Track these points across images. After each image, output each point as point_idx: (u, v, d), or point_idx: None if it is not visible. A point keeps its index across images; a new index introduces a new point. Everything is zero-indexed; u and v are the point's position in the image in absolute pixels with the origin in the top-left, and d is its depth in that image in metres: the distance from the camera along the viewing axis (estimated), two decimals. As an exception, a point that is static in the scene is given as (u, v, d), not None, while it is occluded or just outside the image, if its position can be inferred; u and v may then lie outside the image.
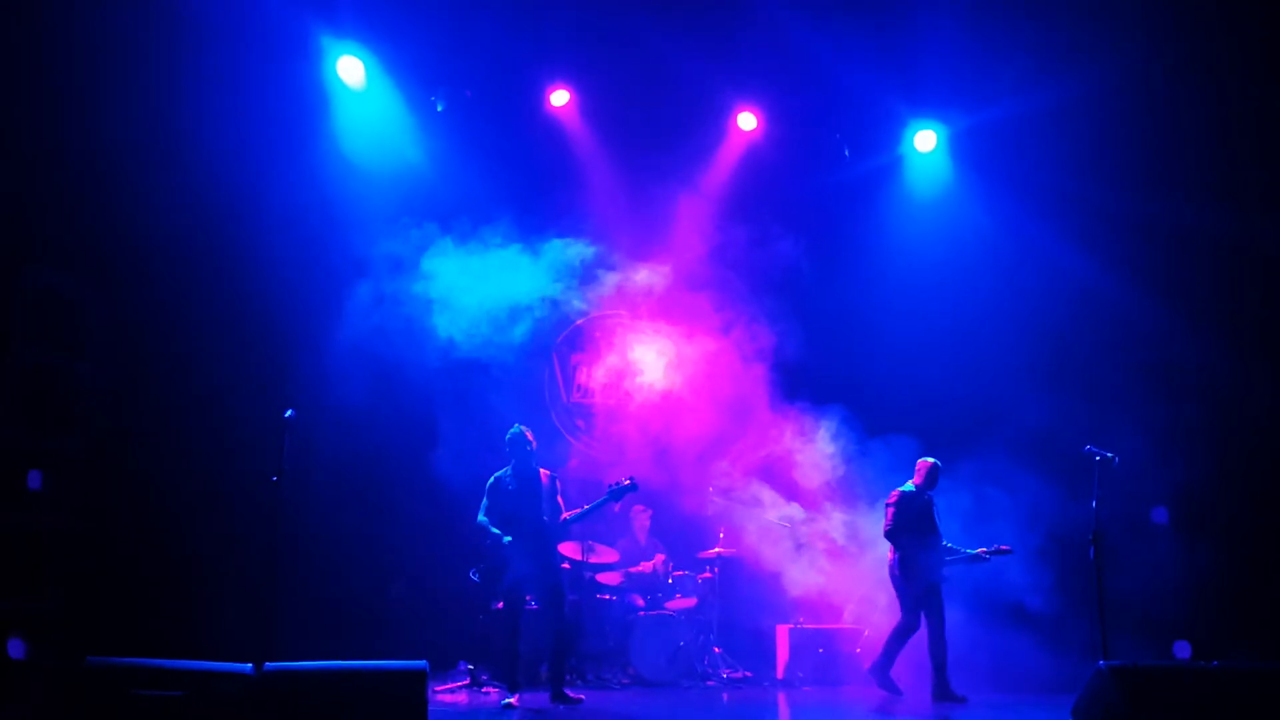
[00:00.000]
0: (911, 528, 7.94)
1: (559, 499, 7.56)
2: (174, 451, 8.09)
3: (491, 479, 7.53)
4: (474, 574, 7.52)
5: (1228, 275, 9.30)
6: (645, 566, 9.10)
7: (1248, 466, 8.99)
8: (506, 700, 7.16)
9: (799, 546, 9.12)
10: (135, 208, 8.03)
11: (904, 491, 8.05)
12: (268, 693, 5.12)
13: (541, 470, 7.54)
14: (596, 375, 10.18)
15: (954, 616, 8.10)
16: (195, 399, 8.24)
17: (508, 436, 7.49)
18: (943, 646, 7.79)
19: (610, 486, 7.71)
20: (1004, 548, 8.16)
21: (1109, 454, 7.00)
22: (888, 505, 8.06)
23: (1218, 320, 9.21)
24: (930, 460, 8.14)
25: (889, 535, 7.97)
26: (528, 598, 7.71)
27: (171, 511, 7.98)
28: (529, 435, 7.49)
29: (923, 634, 7.90)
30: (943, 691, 7.75)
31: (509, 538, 7.29)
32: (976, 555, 8.14)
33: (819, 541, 9.13)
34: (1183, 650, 8.58)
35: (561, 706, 7.11)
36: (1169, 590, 8.52)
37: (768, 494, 9.26)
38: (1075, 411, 8.80)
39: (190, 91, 8.14)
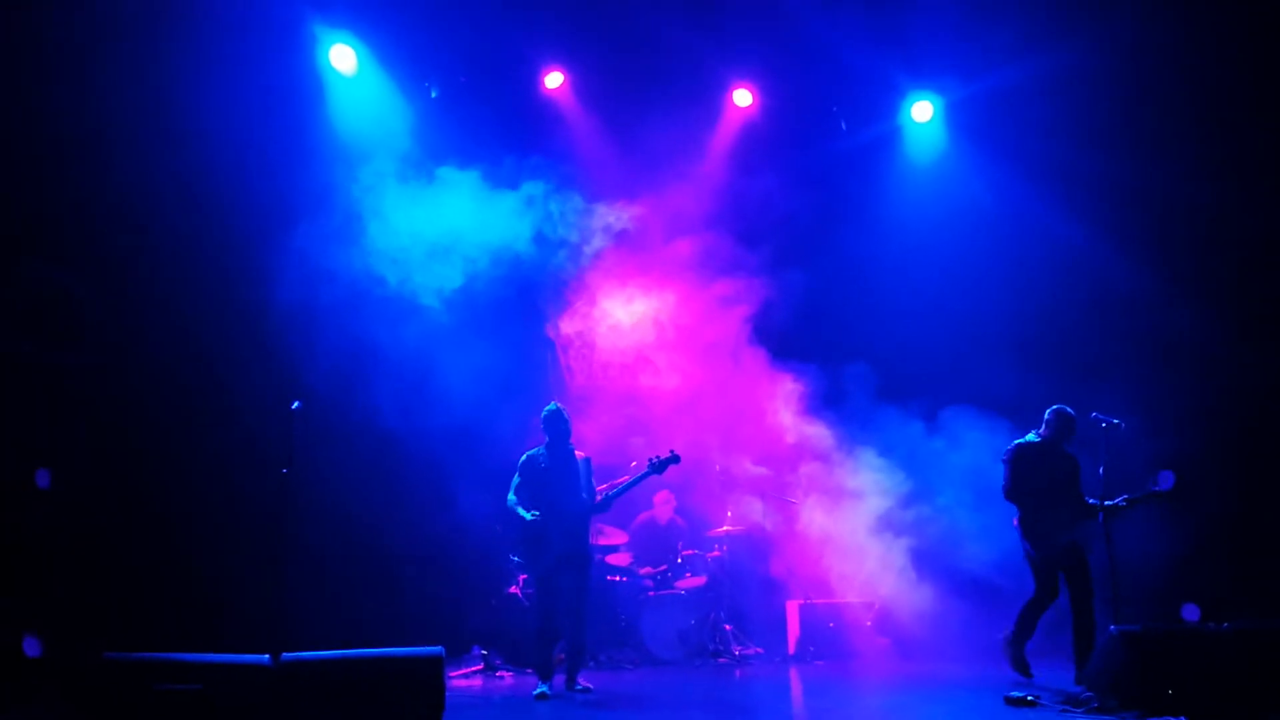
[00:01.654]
0: (1035, 485, 6.98)
1: (593, 481, 7.34)
2: (182, 444, 8.09)
3: (524, 456, 7.29)
4: (514, 557, 7.37)
5: (1218, 243, 9.25)
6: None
7: (1246, 430, 8.98)
8: (540, 689, 6.97)
9: (799, 517, 9.16)
10: (128, 197, 8.00)
11: (1022, 444, 7.11)
12: (287, 682, 5.16)
13: (577, 451, 7.35)
14: (601, 355, 10.11)
15: (929, 587, 7.92)
16: (200, 390, 8.23)
17: (544, 415, 7.28)
18: (1088, 621, 6.80)
19: (651, 460, 7.41)
20: (1157, 490, 6.81)
21: (1115, 420, 6.94)
22: (1003, 462, 7.12)
23: (1208, 288, 9.18)
24: (1059, 408, 7.13)
25: (1006, 495, 7.04)
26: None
27: (181, 504, 7.98)
28: (566, 414, 7.31)
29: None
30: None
31: (534, 513, 7.06)
32: (1115, 506, 6.91)
33: (815, 507, 9.12)
34: (1191, 613, 8.59)
35: (578, 694, 7.03)
36: (1171, 554, 8.45)
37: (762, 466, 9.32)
38: (1062, 376, 8.80)
39: (181, 78, 8.10)
